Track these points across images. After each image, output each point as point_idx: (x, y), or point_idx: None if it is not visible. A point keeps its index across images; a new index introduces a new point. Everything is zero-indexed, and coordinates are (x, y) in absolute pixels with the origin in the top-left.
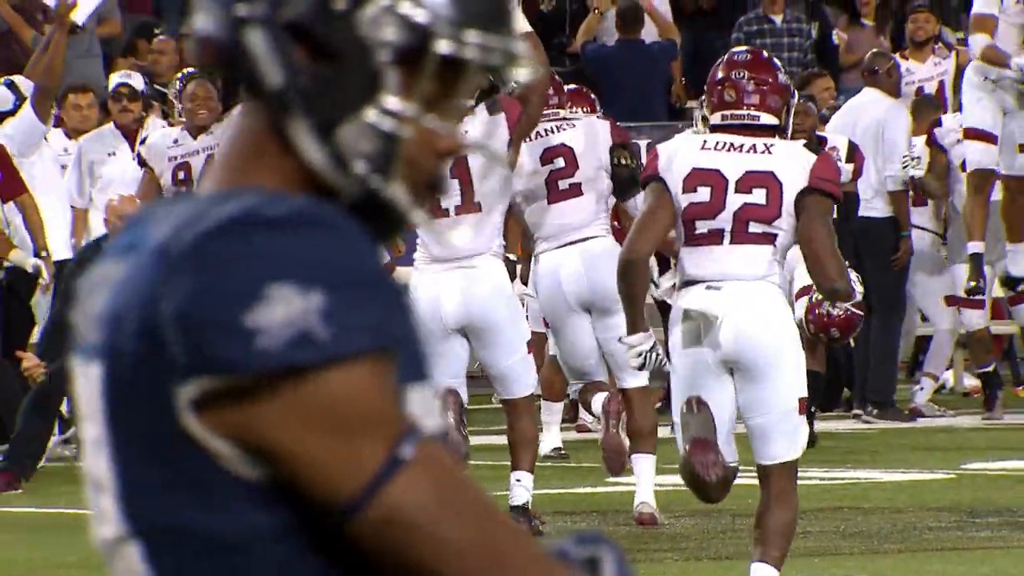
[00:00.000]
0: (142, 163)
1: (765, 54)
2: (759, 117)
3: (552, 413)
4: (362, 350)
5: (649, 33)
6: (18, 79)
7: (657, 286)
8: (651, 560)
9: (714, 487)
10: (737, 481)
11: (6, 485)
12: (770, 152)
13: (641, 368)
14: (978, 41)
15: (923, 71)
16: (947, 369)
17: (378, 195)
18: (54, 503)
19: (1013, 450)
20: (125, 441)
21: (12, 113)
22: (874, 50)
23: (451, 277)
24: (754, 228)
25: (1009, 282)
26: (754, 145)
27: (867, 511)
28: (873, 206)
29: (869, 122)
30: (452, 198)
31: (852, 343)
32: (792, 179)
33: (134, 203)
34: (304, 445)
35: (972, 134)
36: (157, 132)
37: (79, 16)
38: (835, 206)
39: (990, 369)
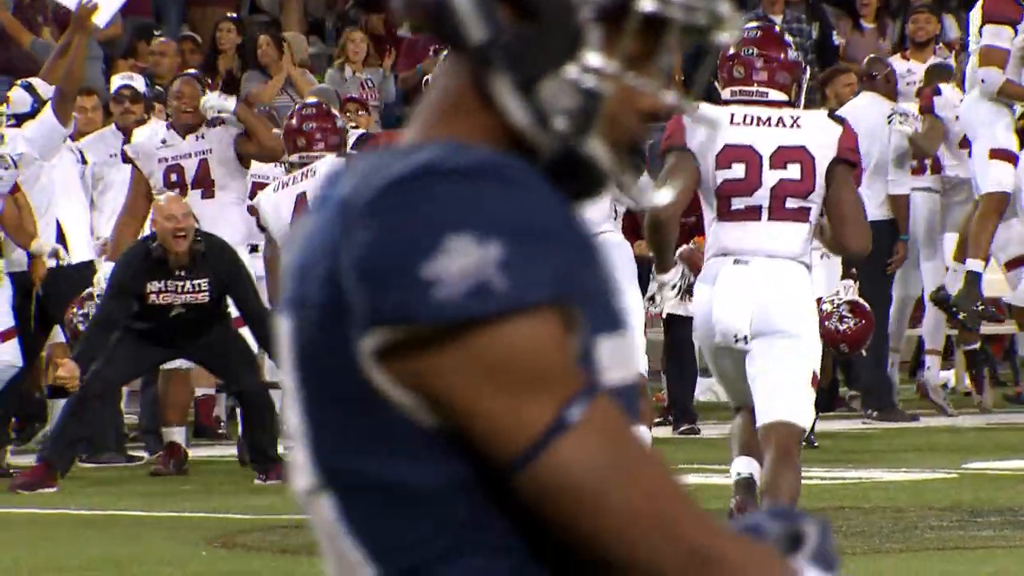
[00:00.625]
0: (127, 160)
1: (776, 29)
2: (767, 93)
3: None
4: (539, 302)
5: None
6: (36, 81)
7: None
8: None
9: None
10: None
11: (41, 482)
12: (799, 125)
13: (678, 295)
14: (992, 76)
15: (924, 71)
16: (949, 369)
17: (577, 152)
18: (55, 505)
19: (1014, 450)
20: (313, 392)
21: (30, 115)
22: (871, 55)
23: None
24: (791, 204)
25: (941, 302)
26: (781, 118)
27: (868, 511)
28: (870, 210)
29: (867, 126)
30: None
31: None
32: (823, 152)
33: (181, 202)
34: (475, 398)
35: (998, 154)
36: (144, 131)
37: (100, 19)
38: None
39: (976, 347)
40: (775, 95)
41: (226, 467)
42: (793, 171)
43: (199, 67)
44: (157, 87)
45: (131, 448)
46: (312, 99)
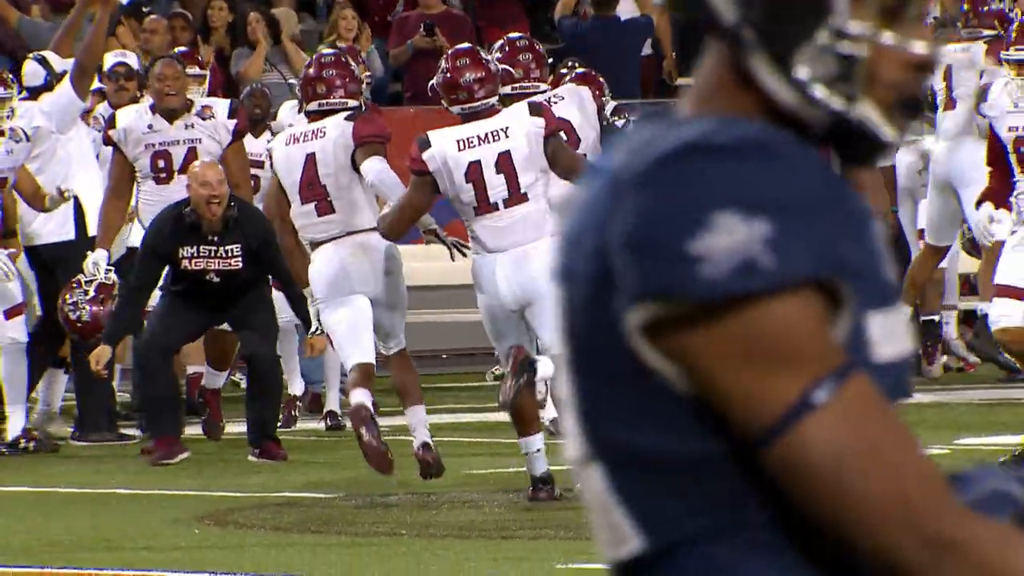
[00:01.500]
0: (108, 142)
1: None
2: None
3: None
4: (804, 280)
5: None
6: (48, 55)
7: None
8: None
9: None
10: None
11: (167, 454)
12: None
13: None
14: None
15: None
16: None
17: (848, 119)
18: (47, 483)
19: (1006, 426)
20: (582, 362)
21: (44, 88)
22: None
23: (505, 258)
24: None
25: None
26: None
27: None
28: None
29: None
30: (499, 192)
31: None
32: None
33: (216, 168)
34: (732, 373)
35: None
36: (129, 114)
37: None
38: None
39: (935, 318)
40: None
41: (218, 445)
42: None
43: (189, 44)
44: (147, 65)
45: (122, 426)
46: (328, 49)
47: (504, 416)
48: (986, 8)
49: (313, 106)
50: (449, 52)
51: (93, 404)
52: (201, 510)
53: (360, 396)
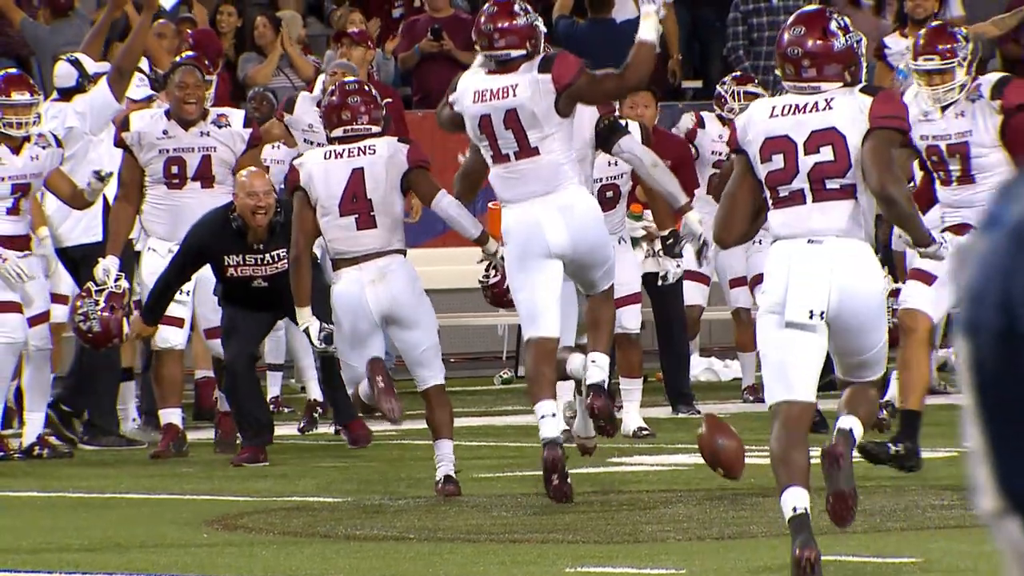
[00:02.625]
0: (120, 145)
1: (823, 16)
2: (820, 87)
3: (632, 392)
4: None
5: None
6: (82, 56)
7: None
8: (653, 540)
9: None
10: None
11: (253, 458)
12: (830, 107)
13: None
14: None
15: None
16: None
17: None
18: (56, 486)
19: None
20: (992, 415)
21: (77, 90)
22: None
23: (545, 206)
24: (831, 184)
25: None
26: (816, 103)
27: (870, 490)
28: None
29: None
30: (510, 146)
31: None
32: (853, 128)
33: (264, 178)
34: None
35: None
36: (144, 118)
37: (166, 0)
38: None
39: None
40: (827, 86)
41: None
42: (826, 153)
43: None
44: (155, 69)
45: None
46: (350, 76)
47: (511, 420)
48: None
49: (339, 132)
50: (485, 6)
51: (103, 407)
52: (210, 514)
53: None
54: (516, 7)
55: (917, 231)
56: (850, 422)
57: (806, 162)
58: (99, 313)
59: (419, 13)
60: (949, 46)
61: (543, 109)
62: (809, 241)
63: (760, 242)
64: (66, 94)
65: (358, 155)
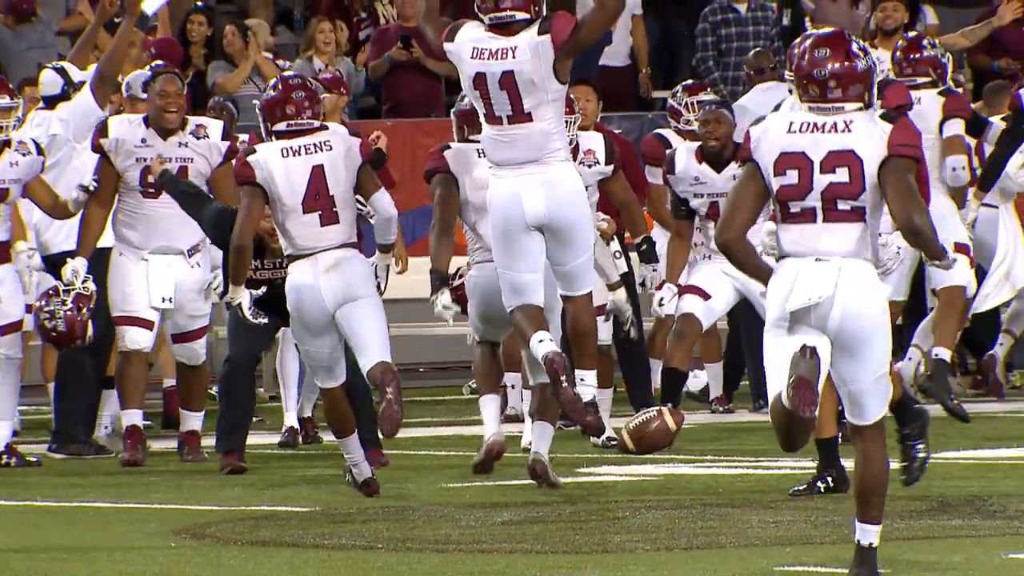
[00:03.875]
0: (97, 149)
1: (843, 38)
2: (843, 107)
3: (602, 402)
4: None
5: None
6: (67, 65)
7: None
8: (621, 551)
9: (801, 429)
10: (711, 471)
11: (230, 467)
12: (849, 130)
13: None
14: (962, 162)
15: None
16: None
17: None
18: (24, 495)
19: (984, 439)
20: None
21: (61, 98)
22: (757, 49)
23: (528, 179)
24: (842, 206)
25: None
26: (835, 124)
27: (838, 499)
28: None
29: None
30: (504, 108)
31: None
32: (872, 153)
33: None
34: None
35: (961, 249)
36: (122, 125)
37: (148, 6)
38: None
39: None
40: (851, 106)
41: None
42: (842, 174)
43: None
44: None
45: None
46: (291, 72)
47: (480, 430)
48: (918, 55)
49: (281, 126)
50: None
51: (71, 416)
52: (178, 523)
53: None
54: None
55: (935, 248)
56: (869, 535)
57: (821, 181)
58: (66, 313)
59: (384, 28)
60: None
61: (542, 74)
62: (817, 260)
63: (710, 257)
64: (51, 102)
65: (315, 151)
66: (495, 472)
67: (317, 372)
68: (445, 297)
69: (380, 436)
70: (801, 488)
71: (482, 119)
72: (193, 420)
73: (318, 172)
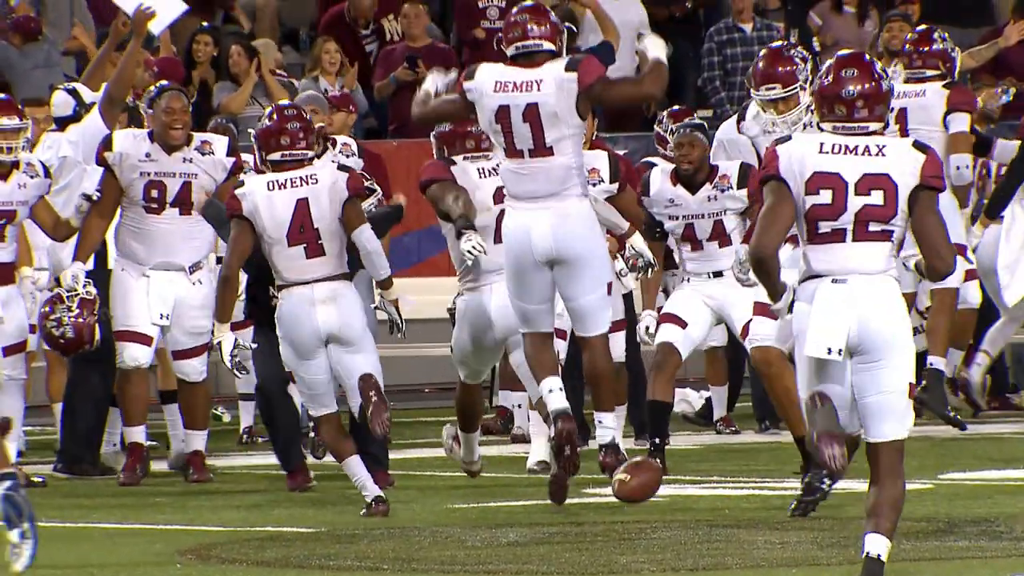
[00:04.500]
0: (102, 163)
1: (866, 59)
2: (868, 127)
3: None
4: None
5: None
6: (79, 86)
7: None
8: (628, 571)
9: (840, 470)
10: (717, 492)
11: (297, 486)
12: (883, 154)
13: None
14: (967, 160)
15: (897, 80)
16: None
17: None
18: None
19: (991, 460)
20: None
21: (73, 119)
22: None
23: (541, 213)
24: (873, 227)
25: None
26: (868, 147)
27: (845, 521)
28: None
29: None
30: (525, 141)
31: None
32: (905, 179)
33: None
34: None
35: (959, 250)
36: (127, 138)
37: (156, 26)
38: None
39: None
40: (875, 126)
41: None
42: (876, 197)
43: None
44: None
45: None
46: (285, 101)
47: (485, 451)
48: (928, 48)
49: (275, 156)
50: (517, 7)
51: (77, 436)
52: (183, 544)
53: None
54: (546, 9)
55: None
56: (878, 546)
57: (855, 202)
58: (72, 319)
59: (391, 45)
60: (788, 69)
61: (564, 108)
62: (834, 280)
63: (688, 280)
64: (63, 123)
65: (301, 185)
66: (501, 493)
67: (312, 401)
68: (476, 238)
69: (374, 435)
70: (811, 498)
71: (501, 155)
72: (197, 440)
73: (303, 205)
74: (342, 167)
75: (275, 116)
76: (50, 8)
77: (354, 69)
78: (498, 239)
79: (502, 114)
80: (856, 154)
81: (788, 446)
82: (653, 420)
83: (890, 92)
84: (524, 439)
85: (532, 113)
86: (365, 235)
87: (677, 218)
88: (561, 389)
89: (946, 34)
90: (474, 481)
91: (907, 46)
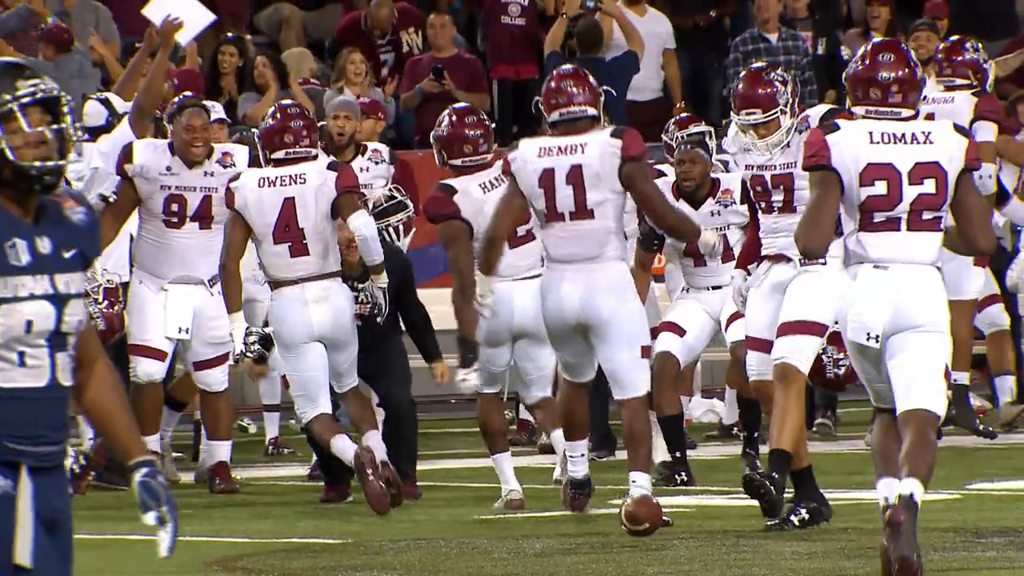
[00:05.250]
0: (121, 174)
1: (901, 47)
2: (901, 112)
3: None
4: None
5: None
6: (112, 96)
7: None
8: None
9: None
10: (744, 502)
11: (338, 497)
12: (931, 141)
13: None
14: (989, 170)
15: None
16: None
17: None
18: None
19: (1018, 470)
20: None
21: (105, 129)
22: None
23: (573, 275)
24: (926, 215)
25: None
26: (915, 135)
27: (871, 532)
28: None
29: None
30: (567, 203)
31: None
32: (953, 165)
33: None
34: None
35: (980, 261)
36: (148, 150)
37: (183, 37)
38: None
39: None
40: (907, 113)
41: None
42: (929, 185)
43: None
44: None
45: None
46: (288, 100)
47: (513, 461)
48: (960, 58)
49: (279, 154)
50: (555, 72)
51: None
52: (210, 555)
53: (372, 439)
54: (586, 75)
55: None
56: (911, 486)
57: (910, 192)
58: (101, 311)
59: (411, 57)
60: (768, 92)
61: (608, 172)
62: (875, 267)
63: (687, 290)
64: (95, 133)
65: (290, 184)
66: (527, 504)
67: (306, 401)
68: (474, 377)
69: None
70: (774, 522)
71: (540, 220)
72: (221, 450)
73: (289, 205)
74: (332, 165)
75: (278, 115)
76: (75, 19)
77: (369, 79)
78: (512, 245)
79: (546, 177)
80: (905, 143)
81: (816, 456)
82: (668, 435)
83: (923, 81)
84: (550, 449)
85: (576, 175)
86: (360, 220)
87: None
88: (584, 455)
89: (979, 44)
90: (500, 492)
91: (939, 55)
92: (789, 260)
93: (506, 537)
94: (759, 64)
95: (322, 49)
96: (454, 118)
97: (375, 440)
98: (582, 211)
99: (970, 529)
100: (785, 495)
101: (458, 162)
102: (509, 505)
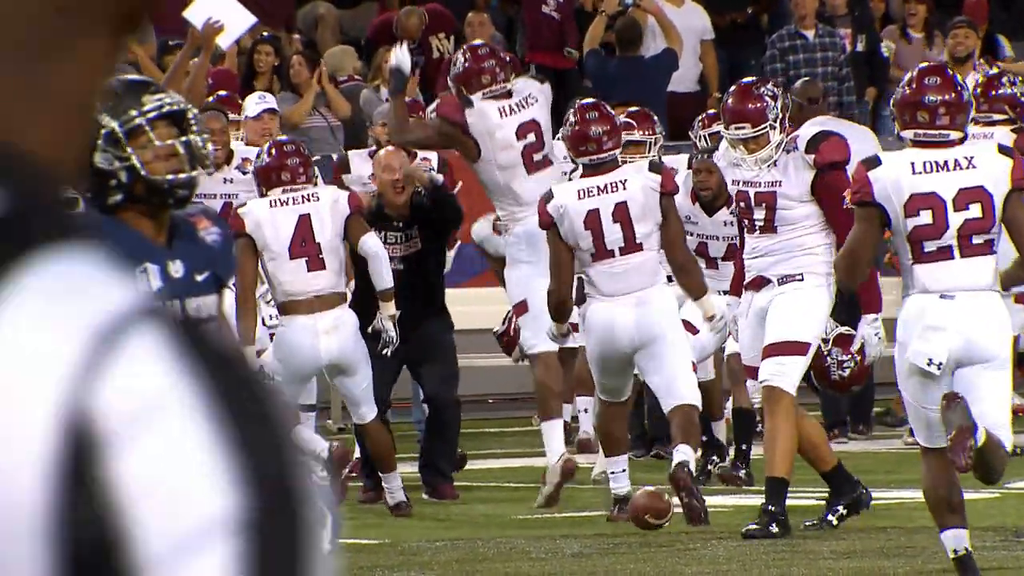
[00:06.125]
0: None
1: (948, 71)
2: (949, 135)
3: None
4: None
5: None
6: None
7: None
8: None
9: (966, 467)
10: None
11: (376, 497)
12: (974, 165)
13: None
14: None
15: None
16: None
17: None
18: None
19: None
20: None
21: None
22: (805, 79)
23: (624, 301)
24: (976, 240)
25: None
26: (958, 161)
27: (911, 531)
28: None
29: None
30: (616, 240)
31: None
32: (999, 187)
33: (400, 155)
34: None
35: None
36: None
37: (224, 40)
38: None
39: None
40: (954, 135)
41: None
42: (975, 210)
43: (233, 90)
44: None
45: None
46: (283, 136)
47: (547, 462)
48: (996, 92)
49: (276, 192)
50: (577, 105)
51: None
52: None
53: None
54: (607, 108)
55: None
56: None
57: (955, 219)
58: None
59: (438, 60)
60: (758, 106)
61: (651, 205)
62: (941, 296)
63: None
64: None
65: (303, 202)
66: (565, 503)
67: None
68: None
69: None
70: (813, 522)
71: (587, 260)
72: None
73: (304, 219)
74: (341, 186)
75: (274, 152)
76: None
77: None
78: (528, 171)
79: (591, 218)
80: (948, 169)
81: (855, 455)
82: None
83: (970, 104)
84: (589, 446)
85: (622, 212)
86: (370, 242)
87: (692, 234)
88: (624, 470)
89: (1018, 78)
90: (537, 493)
91: (976, 89)
92: (769, 282)
93: (543, 537)
94: (749, 79)
95: (358, 47)
96: (468, 53)
97: (395, 483)
98: (631, 245)
99: (1010, 528)
100: (817, 495)
101: (478, 95)
102: (567, 471)
